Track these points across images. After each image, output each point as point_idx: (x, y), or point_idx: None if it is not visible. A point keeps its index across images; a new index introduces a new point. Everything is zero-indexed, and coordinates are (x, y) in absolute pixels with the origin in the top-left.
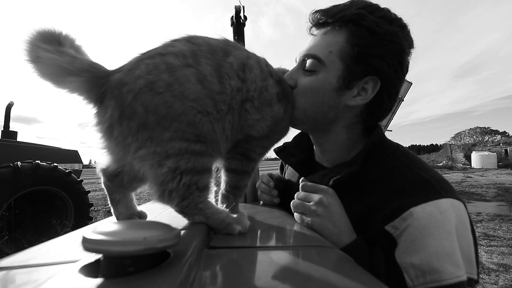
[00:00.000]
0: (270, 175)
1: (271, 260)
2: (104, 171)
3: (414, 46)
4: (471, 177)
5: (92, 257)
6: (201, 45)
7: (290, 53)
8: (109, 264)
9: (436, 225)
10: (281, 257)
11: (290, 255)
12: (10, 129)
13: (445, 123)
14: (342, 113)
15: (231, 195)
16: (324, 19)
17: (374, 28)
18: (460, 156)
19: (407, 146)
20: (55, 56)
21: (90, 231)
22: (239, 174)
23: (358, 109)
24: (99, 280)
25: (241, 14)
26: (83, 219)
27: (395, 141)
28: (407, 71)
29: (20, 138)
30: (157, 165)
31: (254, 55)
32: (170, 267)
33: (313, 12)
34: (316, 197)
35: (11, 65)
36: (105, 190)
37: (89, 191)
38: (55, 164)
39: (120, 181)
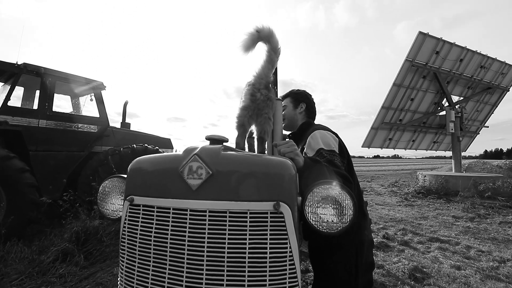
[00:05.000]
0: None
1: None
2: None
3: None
4: None
5: None
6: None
7: (368, 41)
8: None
9: (315, 136)
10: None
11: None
12: (126, 121)
13: None
14: (298, 116)
15: (262, 146)
16: (283, 97)
17: (295, 93)
18: None
19: None
20: None
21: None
22: (263, 140)
23: (302, 113)
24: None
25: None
26: None
27: (495, 139)
28: (314, 102)
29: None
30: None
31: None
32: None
33: (281, 96)
34: (290, 144)
35: (118, 70)
36: None
37: None
38: (157, 147)
39: None
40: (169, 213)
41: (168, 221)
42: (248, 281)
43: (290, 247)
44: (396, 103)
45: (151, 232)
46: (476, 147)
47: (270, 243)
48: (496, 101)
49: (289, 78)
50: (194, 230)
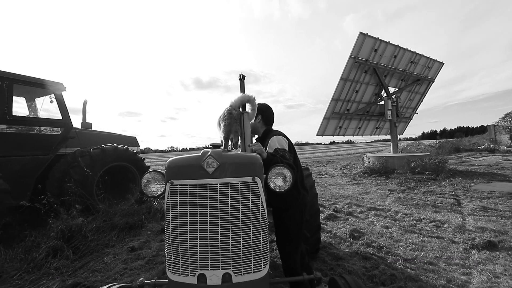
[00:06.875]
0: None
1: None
2: None
3: (271, 110)
4: (509, 160)
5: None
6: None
7: (320, 33)
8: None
9: (274, 140)
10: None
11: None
12: (87, 121)
13: (501, 102)
14: (258, 125)
15: (236, 139)
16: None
17: (259, 108)
18: (505, 138)
19: (453, 129)
20: None
21: None
22: (237, 135)
23: (260, 122)
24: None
25: (241, 76)
26: None
27: (430, 121)
28: (272, 114)
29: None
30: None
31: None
32: None
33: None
34: (258, 144)
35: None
36: None
37: (149, 166)
38: (126, 146)
39: None
40: (196, 188)
41: (196, 193)
42: (242, 221)
43: (261, 201)
44: (343, 95)
45: (186, 200)
46: (415, 130)
47: (251, 199)
48: (424, 91)
49: (247, 69)
50: (212, 196)
